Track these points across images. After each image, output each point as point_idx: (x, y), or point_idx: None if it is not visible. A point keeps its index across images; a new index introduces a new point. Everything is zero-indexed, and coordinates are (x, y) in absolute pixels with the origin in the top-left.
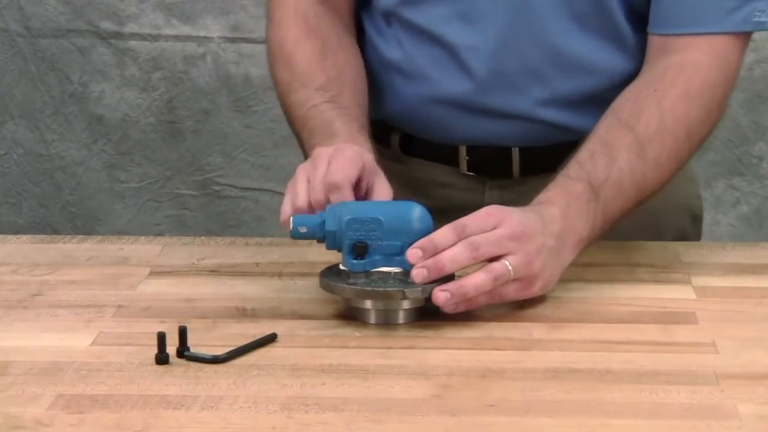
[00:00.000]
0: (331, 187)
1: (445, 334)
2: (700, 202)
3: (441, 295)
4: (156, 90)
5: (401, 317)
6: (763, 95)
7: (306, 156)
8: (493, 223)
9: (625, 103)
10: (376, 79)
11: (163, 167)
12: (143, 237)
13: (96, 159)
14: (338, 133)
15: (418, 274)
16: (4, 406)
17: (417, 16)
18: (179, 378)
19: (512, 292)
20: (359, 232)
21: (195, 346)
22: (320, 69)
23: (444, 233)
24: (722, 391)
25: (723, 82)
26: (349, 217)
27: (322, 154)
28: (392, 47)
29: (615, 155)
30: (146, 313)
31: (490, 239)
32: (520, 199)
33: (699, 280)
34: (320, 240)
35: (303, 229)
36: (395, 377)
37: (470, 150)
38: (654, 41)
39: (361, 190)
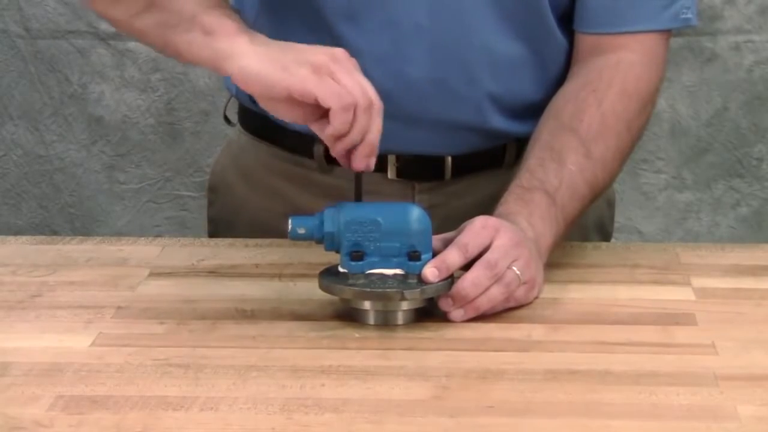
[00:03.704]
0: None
1: (445, 335)
2: (613, 189)
3: (457, 314)
4: (155, 91)
5: (400, 318)
6: (762, 97)
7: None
8: (489, 236)
9: (564, 105)
10: None
11: (163, 168)
12: (143, 238)
13: (95, 160)
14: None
15: (456, 315)
16: (4, 407)
17: (348, 28)
18: (179, 379)
19: (522, 295)
20: (357, 234)
21: (194, 347)
22: None
23: (452, 255)
24: (722, 393)
25: (655, 78)
26: (348, 218)
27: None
28: None
29: (563, 159)
30: (146, 314)
31: (501, 253)
32: (451, 201)
33: (698, 282)
34: (319, 241)
35: (301, 230)
36: (395, 378)
37: (399, 157)
38: (584, 40)
39: None
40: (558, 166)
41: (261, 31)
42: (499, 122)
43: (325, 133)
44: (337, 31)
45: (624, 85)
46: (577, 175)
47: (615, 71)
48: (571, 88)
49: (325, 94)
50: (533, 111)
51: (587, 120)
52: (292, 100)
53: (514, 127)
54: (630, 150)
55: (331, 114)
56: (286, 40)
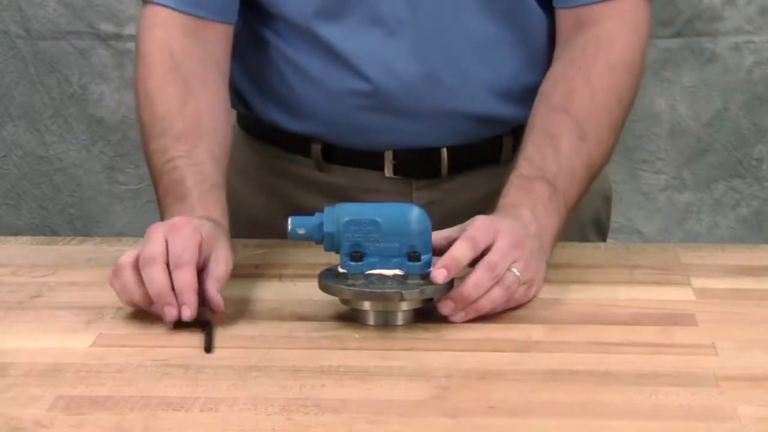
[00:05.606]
0: (178, 264)
1: (445, 336)
2: (609, 184)
3: (458, 315)
4: None
5: (400, 318)
6: (762, 97)
7: (161, 213)
8: (493, 234)
9: (553, 86)
10: (295, 91)
11: None
12: (143, 239)
13: (95, 161)
14: (188, 194)
15: (457, 316)
16: (4, 407)
17: (330, 29)
18: (179, 379)
19: (521, 295)
20: (357, 234)
21: (194, 347)
22: (179, 115)
23: (461, 249)
24: (722, 393)
25: (639, 45)
26: (348, 218)
27: (154, 235)
28: (309, 58)
29: (558, 143)
30: (146, 314)
31: (500, 254)
32: (448, 197)
33: (698, 282)
34: (318, 241)
35: (301, 231)
36: (395, 379)
37: (396, 154)
38: (565, 16)
39: (198, 265)
40: (554, 151)
41: (248, 41)
42: (491, 107)
43: None
44: (320, 33)
45: (609, 56)
46: (574, 157)
47: (598, 45)
48: (557, 69)
49: (116, 290)
50: (525, 92)
51: (577, 99)
52: None
53: (508, 110)
54: (622, 123)
55: None
56: (275, 49)
